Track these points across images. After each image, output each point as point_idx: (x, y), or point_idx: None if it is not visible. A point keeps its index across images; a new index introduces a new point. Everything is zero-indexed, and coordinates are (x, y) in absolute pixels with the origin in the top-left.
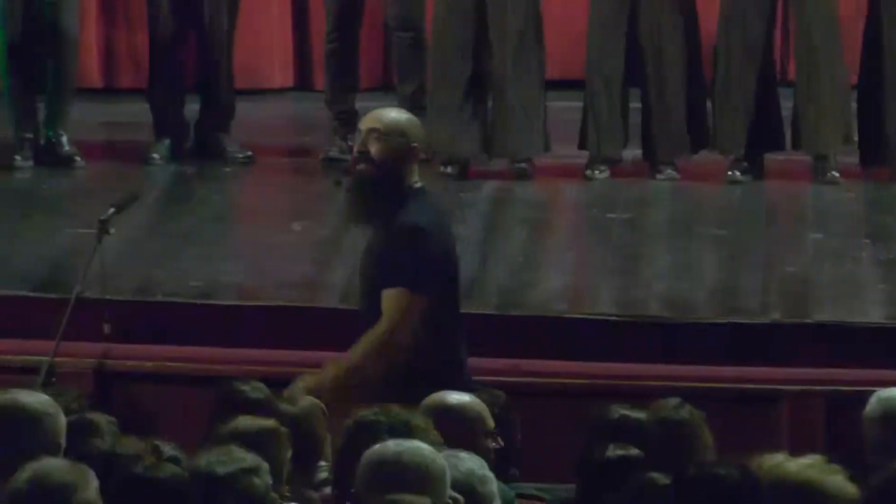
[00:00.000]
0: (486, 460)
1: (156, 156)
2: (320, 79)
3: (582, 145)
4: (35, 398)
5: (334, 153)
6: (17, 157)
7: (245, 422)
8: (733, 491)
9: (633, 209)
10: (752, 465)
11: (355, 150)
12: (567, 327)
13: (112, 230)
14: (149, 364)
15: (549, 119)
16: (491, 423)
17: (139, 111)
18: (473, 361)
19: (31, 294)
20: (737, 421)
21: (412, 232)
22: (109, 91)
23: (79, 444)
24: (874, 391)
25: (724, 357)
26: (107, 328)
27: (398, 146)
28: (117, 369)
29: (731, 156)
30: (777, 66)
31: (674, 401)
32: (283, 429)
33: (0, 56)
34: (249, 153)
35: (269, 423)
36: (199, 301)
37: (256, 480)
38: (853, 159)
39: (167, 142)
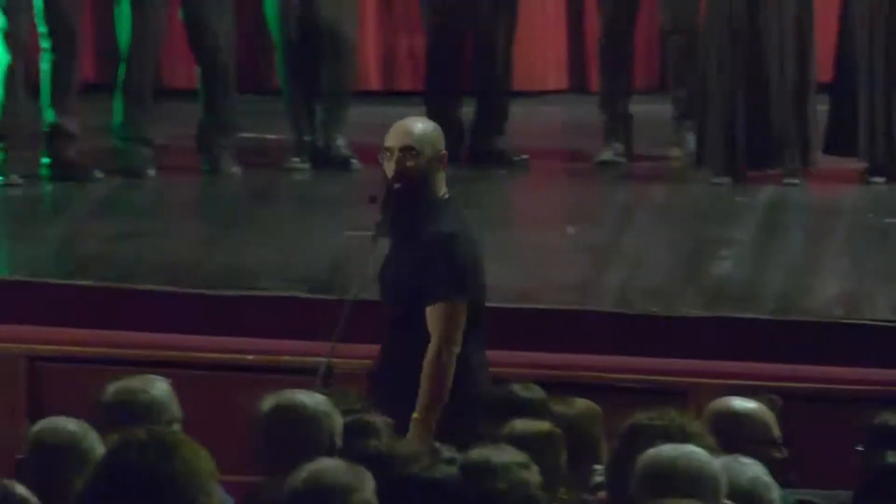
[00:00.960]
0: (768, 467)
1: None
2: (594, 81)
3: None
4: (313, 399)
5: (608, 156)
6: (295, 160)
7: (519, 424)
8: None
9: None
10: None
11: (392, 168)
12: (844, 333)
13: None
14: None
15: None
16: (777, 431)
17: (417, 114)
18: (746, 367)
19: (309, 295)
20: None
21: (444, 241)
22: (388, 94)
23: (355, 445)
24: None
25: None
26: None
27: (431, 158)
28: None
29: None
30: None
31: None
32: (557, 431)
33: (278, 59)
34: (524, 156)
35: (544, 425)
36: None
37: (529, 475)
38: None
39: None
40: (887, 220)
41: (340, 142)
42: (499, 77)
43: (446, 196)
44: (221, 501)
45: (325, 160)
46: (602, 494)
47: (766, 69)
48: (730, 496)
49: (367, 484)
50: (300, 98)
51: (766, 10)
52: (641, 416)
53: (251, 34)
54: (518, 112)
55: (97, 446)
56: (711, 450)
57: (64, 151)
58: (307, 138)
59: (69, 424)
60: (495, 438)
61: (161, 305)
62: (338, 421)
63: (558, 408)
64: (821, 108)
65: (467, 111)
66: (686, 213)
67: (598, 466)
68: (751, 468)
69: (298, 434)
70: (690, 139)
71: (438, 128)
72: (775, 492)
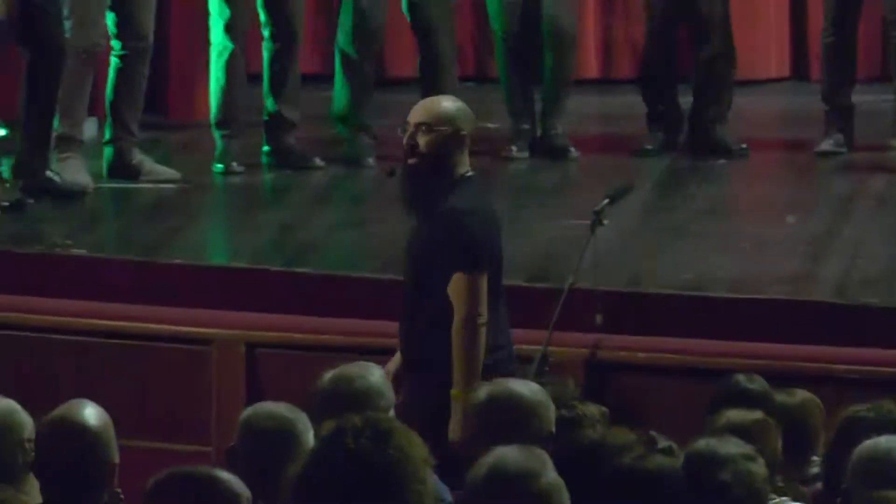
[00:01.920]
0: None
1: (649, 147)
2: (816, 69)
3: None
4: (528, 388)
5: (829, 146)
6: (513, 148)
7: (736, 414)
8: None
9: None
10: None
11: (405, 142)
12: None
13: (605, 221)
14: (640, 355)
15: None
16: None
17: (634, 102)
18: None
19: (526, 284)
20: None
21: (454, 216)
22: (606, 81)
23: (569, 434)
24: None
25: None
26: (599, 319)
27: (446, 136)
28: (608, 360)
29: None
30: None
31: None
32: (770, 420)
33: (497, 49)
34: (744, 146)
35: (758, 415)
36: (690, 293)
37: (755, 467)
38: None
39: (661, 134)
40: None
41: (559, 130)
42: (718, 65)
43: (468, 174)
44: (435, 489)
45: (543, 149)
46: (818, 486)
47: None
48: None
49: (548, 466)
50: (519, 87)
51: None
52: (858, 408)
53: (471, 23)
54: (739, 100)
55: (307, 431)
56: None
57: (284, 140)
58: (526, 127)
59: (279, 409)
60: (712, 428)
61: (377, 293)
62: (551, 410)
63: (780, 398)
64: None
65: (686, 100)
66: None
67: (815, 458)
68: None
69: (513, 423)
70: None
71: (464, 108)
72: None
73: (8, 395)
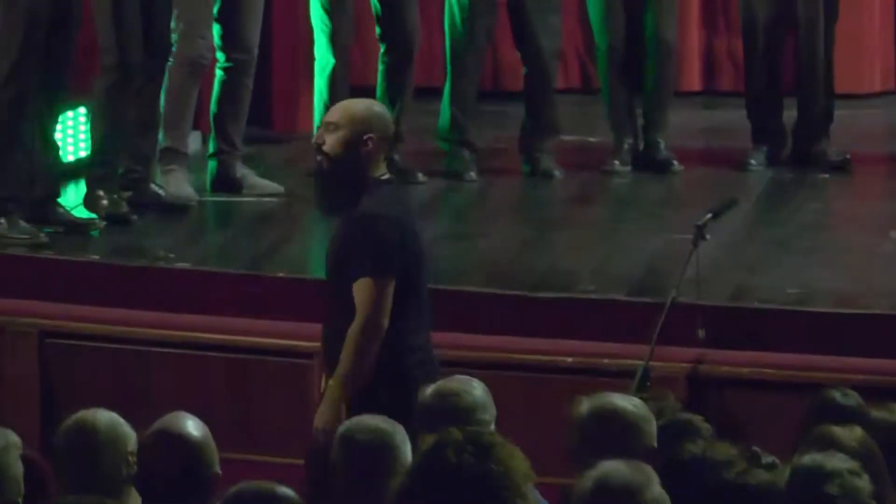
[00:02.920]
0: None
1: (753, 162)
2: None
3: None
4: (631, 403)
5: None
6: (616, 162)
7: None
8: None
9: None
10: None
11: (313, 140)
12: None
13: (708, 236)
14: (744, 370)
15: None
16: None
17: (737, 117)
18: None
19: (628, 298)
20: None
21: (364, 220)
22: (709, 94)
23: (672, 448)
24: None
25: None
26: (701, 333)
27: (351, 138)
28: (711, 374)
29: None
30: None
31: None
32: (871, 441)
33: (600, 62)
34: (847, 158)
35: (857, 432)
36: (795, 307)
37: (861, 483)
38: None
39: (764, 148)
40: None
41: (661, 144)
42: (819, 78)
43: (384, 178)
44: (536, 502)
45: (645, 162)
46: None
47: None
48: None
49: (653, 480)
50: (622, 101)
51: None
52: None
53: (574, 35)
54: (843, 114)
55: (405, 444)
56: None
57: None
58: (628, 141)
59: (377, 422)
60: (810, 443)
61: (482, 306)
62: (653, 424)
63: (878, 414)
64: None
65: (791, 114)
66: None
67: None
68: None
69: (615, 438)
70: None
71: (379, 112)
72: None
73: (110, 407)
